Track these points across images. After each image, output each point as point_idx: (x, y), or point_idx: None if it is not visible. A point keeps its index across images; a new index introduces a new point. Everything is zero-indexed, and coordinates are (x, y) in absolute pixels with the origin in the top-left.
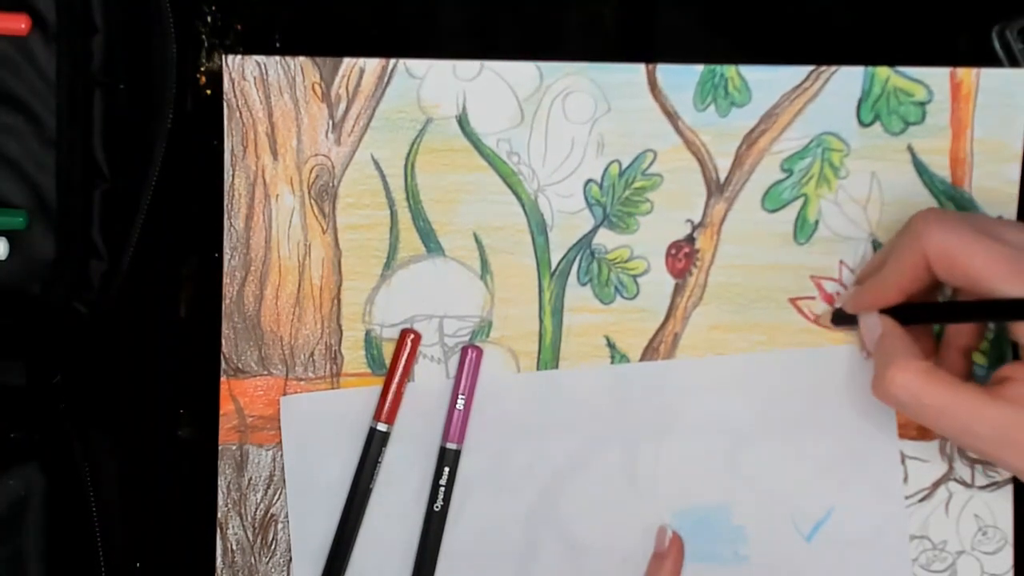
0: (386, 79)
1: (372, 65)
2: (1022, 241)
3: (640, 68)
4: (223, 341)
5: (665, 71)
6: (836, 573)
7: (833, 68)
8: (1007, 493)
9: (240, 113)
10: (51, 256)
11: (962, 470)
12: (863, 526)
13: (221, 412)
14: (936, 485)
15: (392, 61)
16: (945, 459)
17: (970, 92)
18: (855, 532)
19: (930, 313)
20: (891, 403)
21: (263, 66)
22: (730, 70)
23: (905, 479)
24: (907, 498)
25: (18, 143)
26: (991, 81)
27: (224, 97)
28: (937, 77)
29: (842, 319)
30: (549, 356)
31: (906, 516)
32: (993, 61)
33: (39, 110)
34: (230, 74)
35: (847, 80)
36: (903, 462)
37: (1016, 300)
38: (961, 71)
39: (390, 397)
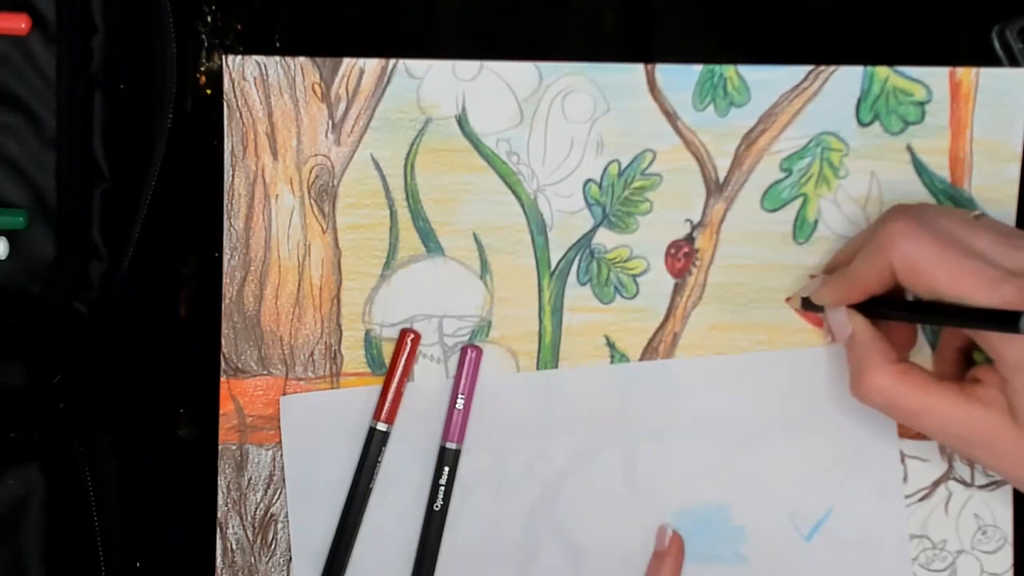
0: (386, 79)
1: (372, 65)
2: (992, 249)
3: (639, 68)
4: (223, 341)
5: (664, 71)
6: (836, 573)
7: (832, 68)
8: (1007, 492)
9: (240, 113)
10: (51, 256)
11: (962, 469)
12: (863, 526)
13: (221, 412)
14: (936, 484)
15: (392, 61)
16: (945, 458)
17: (969, 92)
18: (855, 532)
19: (898, 311)
20: (869, 405)
21: (263, 66)
22: (729, 70)
23: (905, 478)
24: (907, 497)
25: (18, 143)
26: (990, 81)
27: (224, 97)
28: (936, 77)
29: (810, 306)
30: (549, 356)
31: (906, 515)
32: (993, 61)
33: (39, 110)
34: (230, 74)
35: (846, 80)
36: (903, 461)
37: (983, 309)
38: (960, 71)
39: (390, 397)
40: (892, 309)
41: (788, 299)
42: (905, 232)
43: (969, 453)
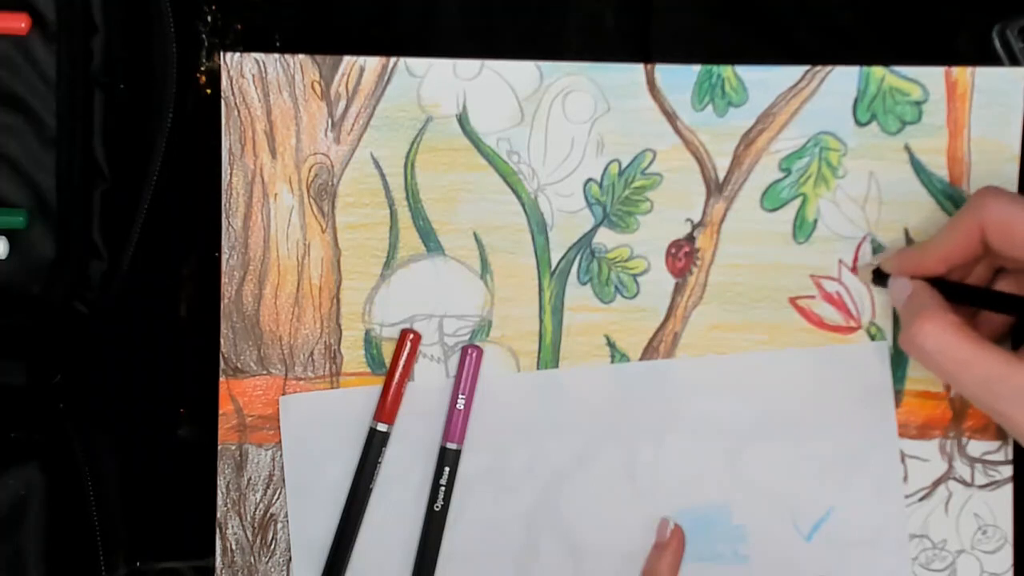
0: (386, 78)
1: (372, 63)
2: None
3: (639, 68)
4: (222, 341)
5: (663, 71)
6: (836, 573)
7: (828, 68)
8: (1007, 492)
9: (238, 111)
10: (51, 256)
11: (962, 469)
12: (863, 526)
13: (220, 412)
14: (936, 484)
15: (392, 60)
16: (945, 458)
17: (966, 91)
18: (855, 532)
19: (963, 295)
20: (917, 353)
21: (262, 64)
22: (727, 70)
23: (905, 478)
24: (907, 497)
25: (18, 143)
26: (987, 80)
27: (221, 95)
28: (932, 76)
29: (882, 279)
30: (549, 356)
31: (906, 515)
32: (994, 61)
33: (39, 110)
34: (228, 72)
35: (843, 80)
36: (903, 461)
37: None
38: (956, 70)
39: (390, 397)
40: (957, 292)
41: (854, 268)
42: (999, 195)
43: (1012, 415)
